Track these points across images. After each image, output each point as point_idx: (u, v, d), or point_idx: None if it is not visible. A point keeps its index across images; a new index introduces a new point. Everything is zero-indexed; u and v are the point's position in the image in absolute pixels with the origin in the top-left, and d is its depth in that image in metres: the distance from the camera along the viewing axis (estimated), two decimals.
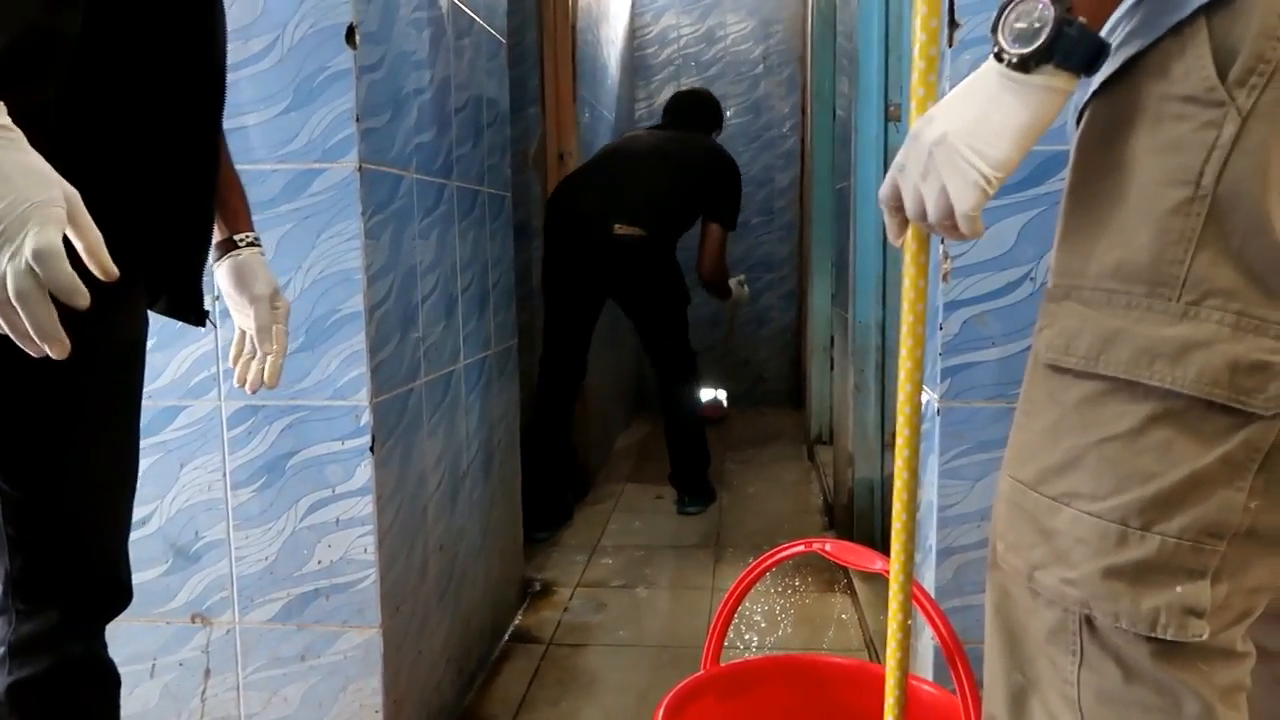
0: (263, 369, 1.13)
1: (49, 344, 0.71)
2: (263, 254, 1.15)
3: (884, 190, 0.82)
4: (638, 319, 3.11)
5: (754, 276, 4.98)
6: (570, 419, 3.01)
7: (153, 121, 0.95)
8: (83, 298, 0.71)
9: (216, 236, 1.13)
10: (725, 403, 4.75)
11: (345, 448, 1.44)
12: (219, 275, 1.14)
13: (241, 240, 1.13)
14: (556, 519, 2.98)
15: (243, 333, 1.16)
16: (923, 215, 0.78)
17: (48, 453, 0.93)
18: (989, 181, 0.73)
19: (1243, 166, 0.67)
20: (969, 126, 0.73)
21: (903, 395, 0.87)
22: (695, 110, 3.30)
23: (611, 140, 3.78)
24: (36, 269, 0.68)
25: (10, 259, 0.68)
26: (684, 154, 3.08)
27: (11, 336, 0.71)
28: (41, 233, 0.68)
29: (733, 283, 3.48)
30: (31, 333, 0.70)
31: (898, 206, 0.82)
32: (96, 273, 0.73)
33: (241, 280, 1.12)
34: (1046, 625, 0.77)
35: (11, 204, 0.68)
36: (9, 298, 0.68)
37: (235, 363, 1.15)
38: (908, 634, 0.90)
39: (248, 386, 1.14)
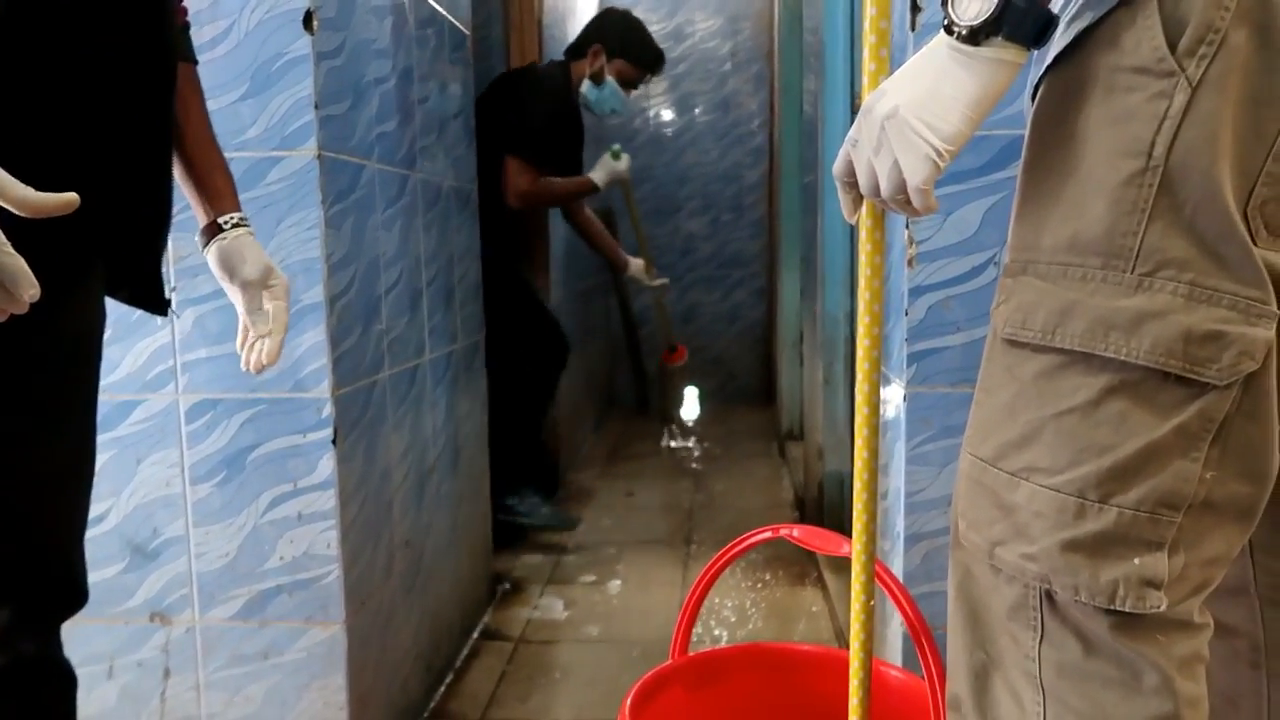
0: (261, 350, 1.10)
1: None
2: (251, 234, 1.11)
3: (837, 166, 0.82)
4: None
5: (724, 273, 4.99)
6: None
7: (101, 101, 0.92)
8: (31, 288, 0.67)
9: (202, 221, 1.09)
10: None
11: (307, 441, 1.42)
12: (209, 261, 1.10)
13: (226, 222, 1.08)
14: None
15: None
16: (876, 190, 0.78)
17: None
18: (940, 155, 0.73)
19: (1193, 136, 0.67)
20: (920, 99, 0.73)
21: (861, 374, 0.86)
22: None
23: None
24: None
25: None
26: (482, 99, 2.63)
27: None
28: None
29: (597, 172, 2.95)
30: None
31: (851, 182, 0.82)
32: (57, 207, 0.68)
33: (229, 265, 1.08)
34: (1007, 602, 0.77)
35: None
36: None
37: (241, 347, 1.12)
38: (872, 615, 0.90)
39: (251, 367, 1.10)
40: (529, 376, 2.83)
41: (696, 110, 4.91)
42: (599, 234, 3.28)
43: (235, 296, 1.11)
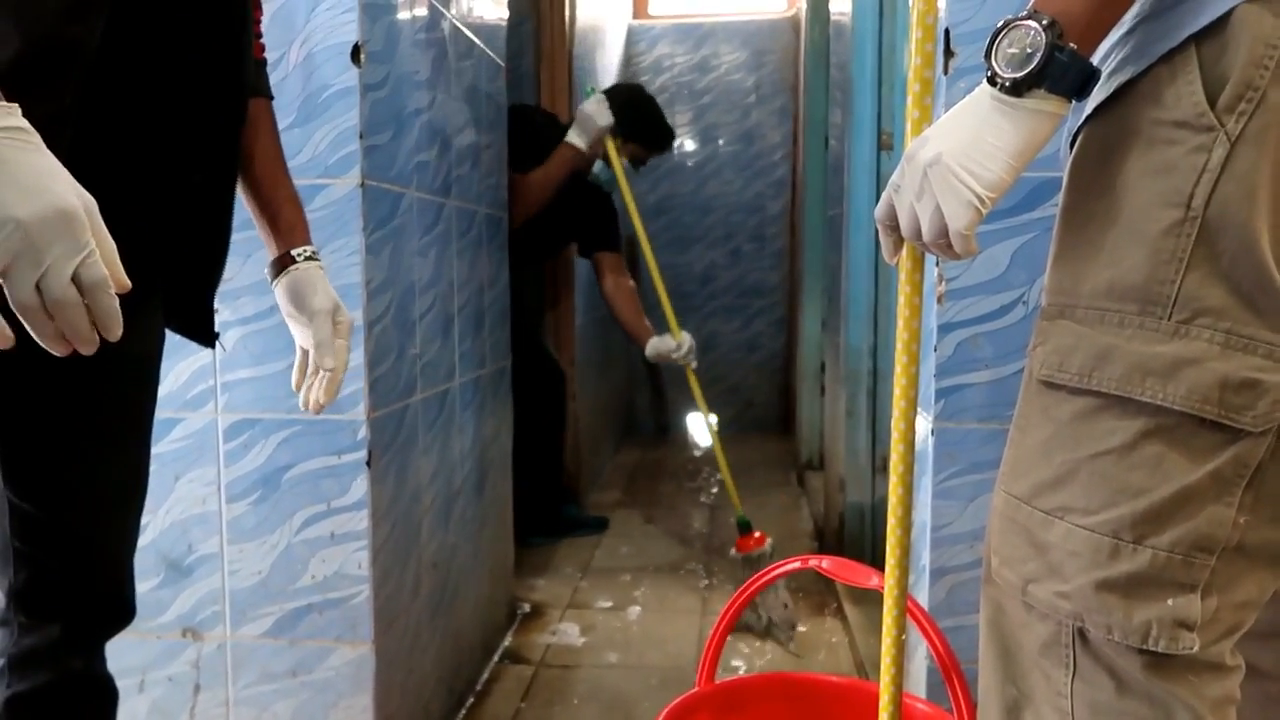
0: (320, 387, 1.09)
1: (80, 344, 0.68)
2: (322, 268, 1.11)
3: (879, 210, 0.84)
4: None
5: (744, 303, 5.01)
6: None
7: (175, 130, 0.95)
8: (118, 328, 0.69)
9: (273, 253, 1.10)
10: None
11: (342, 462, 1.44)
12: (277, 293, 1.10)
13: (299, 255, 1.09)
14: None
15: (304, 352, 1.11)
16: (918, 234, 0.80)
17: (59, 467, 0.92)
18: (982, 201, 0.74)
19: (1232, 189, 0.69)
20: (963, 148, 0.75)
21: (897, 411, 0.88)
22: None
23: None
24: (78, 293, 0.66)
25: (46, 278, 0.65)
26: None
27: (37, 339, 0.68)
28: (91, 266, 0.66)
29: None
30: (65, 335, 0.68)
31: (893, 226, 0.84)
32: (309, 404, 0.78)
33: (299, 296, 1.08)
34: (1040, 639, 0.78)
35: (38, 213, 0.64)
36: (40, 307, 0.66)
37: (299, 386, 1.11)
38: (902, 649, 0.91)
39: (310, 407, 1.09)
40: (532, 406, 2.78)
41: (720, 141, 4.95)
42: (623, 308, 2.96)
43: (300, 329, 1.10)
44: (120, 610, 1.01)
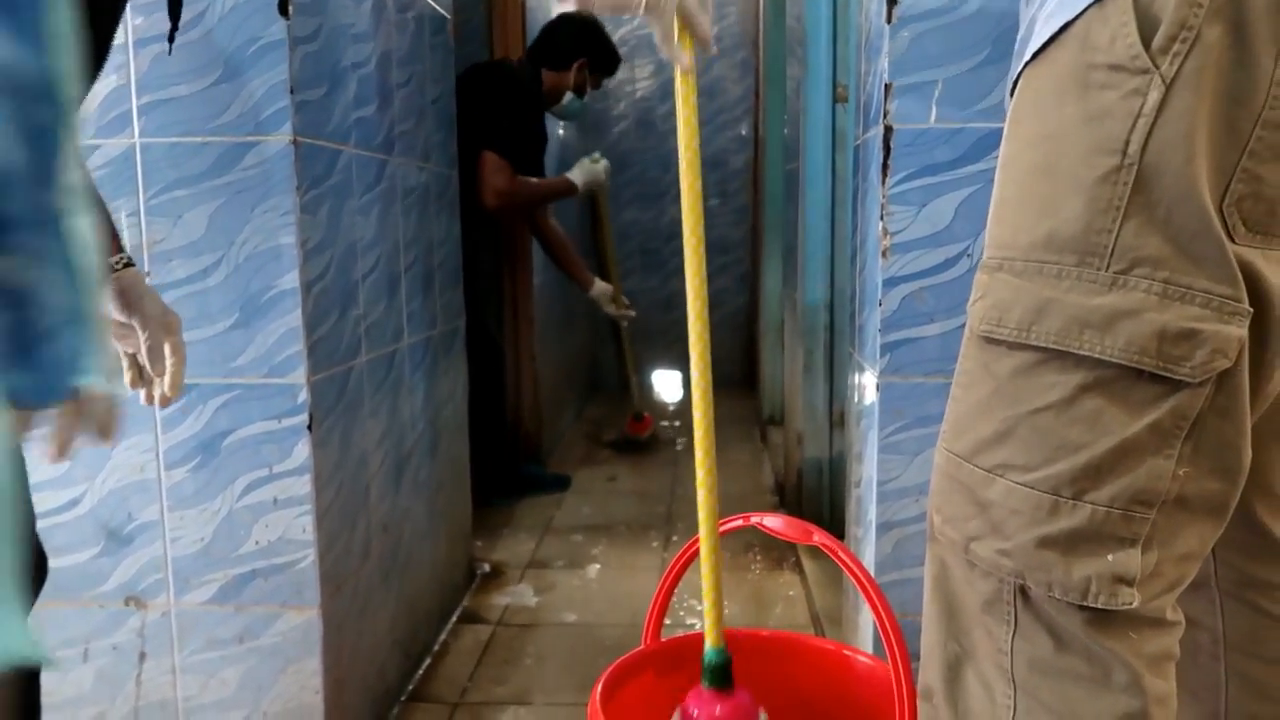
0: (166, 382, 1.08)
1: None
2: (139, 273, 1.09)
3: None
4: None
5: (708, 259, 4.98)
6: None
7: None
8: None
9: None
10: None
11: (282, 426, 1.42)
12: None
13: (117, 263, 1.06)
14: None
15: (131, 356, 1.09)
16: None
17: None
18: None
19: (1168, 134, 0.67)
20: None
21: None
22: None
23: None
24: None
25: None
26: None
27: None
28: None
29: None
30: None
31: None
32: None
33: (130, 303, 1.06)
34: (982, 596, 0.77)
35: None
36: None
37: (135, 386, 1.10)
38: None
39: (157, 402, 1.09)
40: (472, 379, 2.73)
41: None
42: (562, 246, 3.18)
43: (129, 336, 1.08)
44: (39, 567, 0.99)
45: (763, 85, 3.92)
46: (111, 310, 1.06)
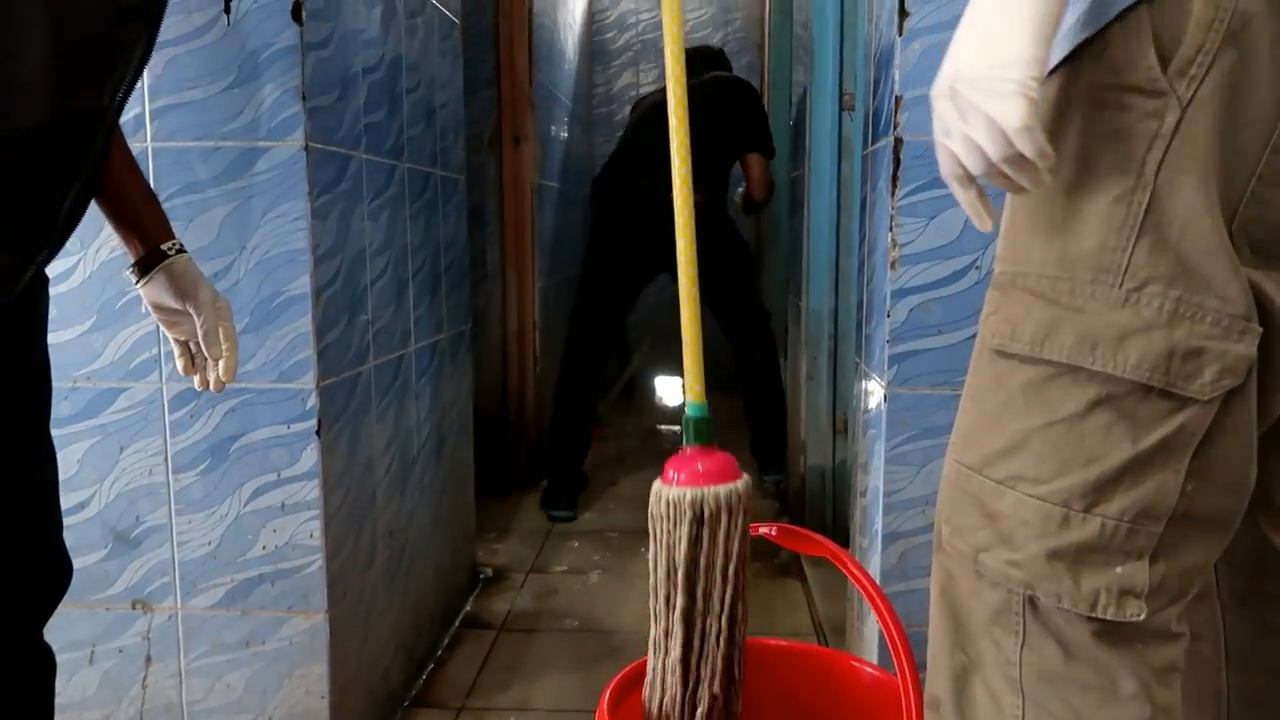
0: (221, 366, 1.08)
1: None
2: (190, 258, 1.08)
3: (944, 168, 0.75)
4: (705, 288, 3.06)
5: None
6: (598, 396, 3.12)
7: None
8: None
9: (137, 254, 1.05)
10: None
11: (291, 431, 1.42)
12: (152, 290, 1.05)
13: (170, 249, 1.05)
14: (576, 494, 3.06)
15: (183, 343, 1.09)
16: (985, 159, 0.70)
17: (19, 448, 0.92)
18: (1024, 85, 0.66)
19: (1183, 156, 0.68)
20: (976, 49, 0.68)
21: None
22: (700, 59, 3.14)
23: (634, 113, 3.50)
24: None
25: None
26: (703, 102, 2.59)
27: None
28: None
29: None
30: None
31: (963, 174, 0.73)
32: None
33: (182, 289, 1.05)
34: (990, 606, 0.78)
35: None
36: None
37: (188, 372, 1.10)
38: None
39: (212, 387, 1.09)
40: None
41: None
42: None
43: (181, 322, 1.08)
44: (63, 573, 1.00)
45: (768, 91, 3.92)
46: (165, 297, 1.06)
